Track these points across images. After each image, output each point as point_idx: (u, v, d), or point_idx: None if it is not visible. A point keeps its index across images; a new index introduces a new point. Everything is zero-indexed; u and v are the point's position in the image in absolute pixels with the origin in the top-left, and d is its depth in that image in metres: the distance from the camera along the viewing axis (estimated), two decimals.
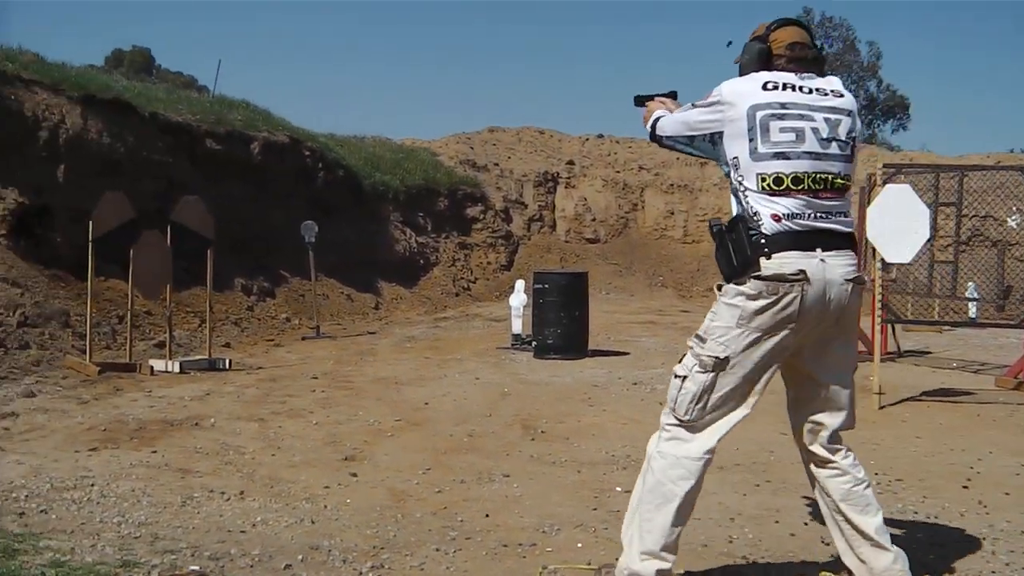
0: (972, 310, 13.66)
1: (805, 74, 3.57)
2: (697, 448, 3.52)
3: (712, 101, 3.56)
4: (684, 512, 3.51)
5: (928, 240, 8.55)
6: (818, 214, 3.46)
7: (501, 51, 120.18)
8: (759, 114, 3.45)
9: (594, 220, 24.70)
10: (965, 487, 5.53)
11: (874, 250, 8.83)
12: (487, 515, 4.80)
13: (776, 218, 3.42)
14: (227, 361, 10.07)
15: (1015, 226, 14.95)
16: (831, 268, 3.44)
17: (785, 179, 3.42)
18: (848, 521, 3.61)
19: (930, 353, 12.52)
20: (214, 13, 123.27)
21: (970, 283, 11.94)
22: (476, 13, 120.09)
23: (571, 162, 25.14)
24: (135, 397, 7.98)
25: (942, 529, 4.67)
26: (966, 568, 4.06)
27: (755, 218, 3.46)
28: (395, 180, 20.55)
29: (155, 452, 5.99)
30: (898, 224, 8.26)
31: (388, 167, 20.85)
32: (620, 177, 25.40)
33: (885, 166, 8.96)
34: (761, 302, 3.41)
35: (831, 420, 3.63)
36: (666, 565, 3.49)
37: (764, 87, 3.50)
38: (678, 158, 26.67)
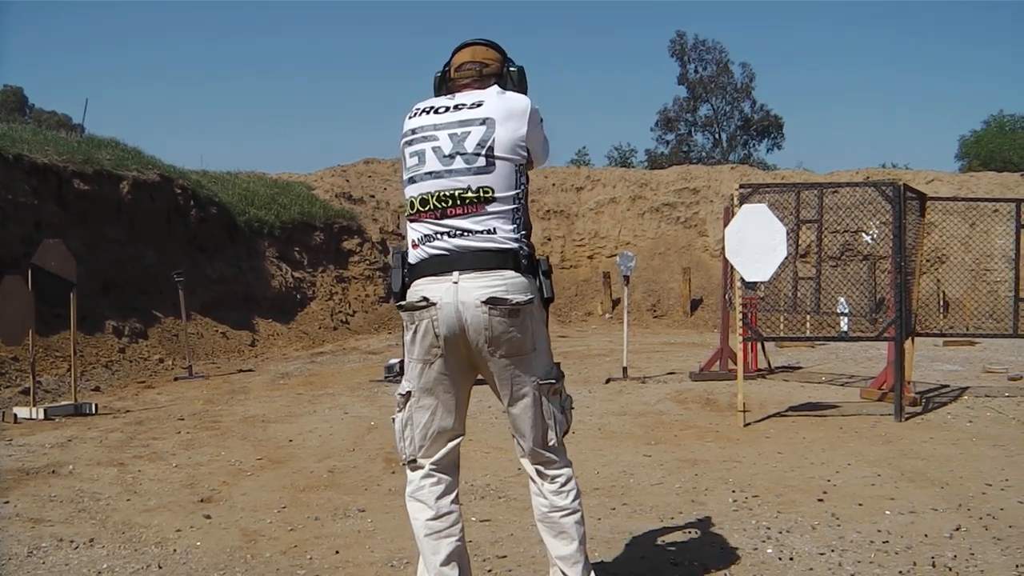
0: (844, 324, 14.16)
1: (467, 92, 3.58)
2: (416, 479, 3.60)
3: None
4: (442, 539, 3.52)
5: (786, 257, 8.75)
6: (452, 233, 3.42)
7: (377, 82, 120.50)
8: (402, 143, 3.56)
9: None
10: (820, 500, 5.75)
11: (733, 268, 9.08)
12: (337, 552, 4.87)
13: (414, 244, 3.49)
14: (93, 406, 9.94)
15: (870, 241, 15.55)
16: (465, 290, 3.36)
17: (415, 202, 3.47)
18: (543, 540, 3.64)
19: (801, 368, 12.97)
20: (85, 47, 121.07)
21: (840, 297, 12.32)
22: (349, 46, 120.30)
23: None
24: None
25: (793, 543, 4.85)
26: None
27: (408, 247, 3.56)
28: (270, 215, 20.58)
29: (7, 503, 5.91)
30: (756, 243, 8.47)
31: (263, 202, 20.87)
32: None
33: (741, 187, 9.11)
34: (409, 332, 3.50)
35: (522, 441, 3.63)
36: None
37: (409, 117, 3.58)
38: (554, 184, 27.13)
